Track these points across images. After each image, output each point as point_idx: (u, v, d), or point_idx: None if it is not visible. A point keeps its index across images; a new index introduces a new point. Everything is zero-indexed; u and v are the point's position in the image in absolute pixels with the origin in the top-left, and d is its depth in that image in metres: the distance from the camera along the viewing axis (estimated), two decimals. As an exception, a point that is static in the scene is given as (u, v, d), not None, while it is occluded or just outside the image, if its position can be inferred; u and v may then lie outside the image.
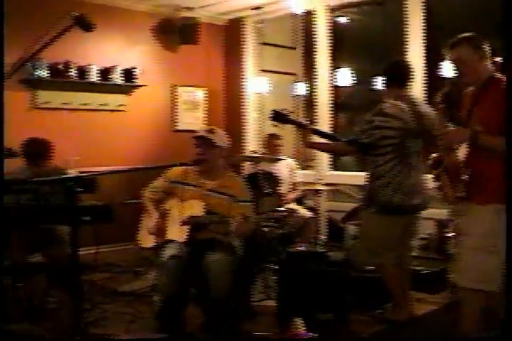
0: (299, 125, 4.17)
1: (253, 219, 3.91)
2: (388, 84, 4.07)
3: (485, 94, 3.22)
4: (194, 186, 4.07)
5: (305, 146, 4.33)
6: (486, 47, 3.25)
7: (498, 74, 3.23)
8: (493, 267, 3.10)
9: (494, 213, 3.11)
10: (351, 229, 5.97)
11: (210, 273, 3.72)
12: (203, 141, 4.02)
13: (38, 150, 4.51)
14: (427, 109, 4.00)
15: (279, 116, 4.15)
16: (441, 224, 5.23)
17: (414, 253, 4.65)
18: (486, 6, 5.85)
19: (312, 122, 6.76)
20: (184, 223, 3.90)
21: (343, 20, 6.66)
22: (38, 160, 4.50)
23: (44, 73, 5.87)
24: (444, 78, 5.43)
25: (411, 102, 3.88)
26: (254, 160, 5.57)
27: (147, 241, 4.04)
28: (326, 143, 4.24)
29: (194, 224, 3.89)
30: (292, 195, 6.05)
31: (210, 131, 4.07)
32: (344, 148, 4.06)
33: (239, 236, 3.94)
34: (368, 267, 4.42)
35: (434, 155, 3.36)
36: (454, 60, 3.28)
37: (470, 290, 3.18)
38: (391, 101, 3.93)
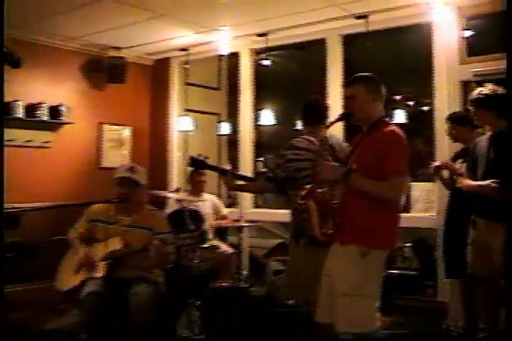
0: (217, 170, 4.26)
1: (171, 248, 4.01)
2: (303, 122, 4.15)
3: (369, 135, 3.21)
4: (114, 223, 4.10)
5: (228, 190, 4.46)
6: (382, 90, 3.27)
7: (387, 119, 3.27)
8: (364, 311, 3.04)
9: (358, 255, 3.04)
10: (273, 265, 5.99)
11: (131, 305, 3.74)
12: (125, 181, 4.07)
13: None
14: (338, 142, 4.06)
15: (196, 163, 4.24)
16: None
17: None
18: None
19: (236, 160, 6.90)
20: (103, 259, 3.93)
21: (266, 62, 6.64)
22: None
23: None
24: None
25: (322, 136, 3.62)
26: (178, 197, 5.73)
27: (66, 283, 3.99)
28: (246, 185, 4.37)
29: (112, 258, 3.92)
30: (222, 222, 6.15)
31: (131, 170, 4.12)
32: (264, 185, 4.11)
33: (158, 265, 4.00)
34: (290, 302, 4.32)
35: (308, 186, 3.22)
36: (347, 98, 3.27)
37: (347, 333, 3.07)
38: (302, 136, 4.00)
